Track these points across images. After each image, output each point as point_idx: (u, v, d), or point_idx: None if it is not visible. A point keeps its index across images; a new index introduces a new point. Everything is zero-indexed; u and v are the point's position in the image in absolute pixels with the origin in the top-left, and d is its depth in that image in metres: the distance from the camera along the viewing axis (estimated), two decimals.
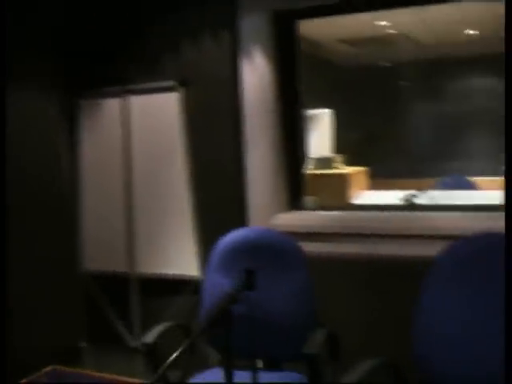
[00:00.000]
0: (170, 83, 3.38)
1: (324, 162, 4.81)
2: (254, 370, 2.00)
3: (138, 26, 3.49)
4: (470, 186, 5.56)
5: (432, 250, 2.81)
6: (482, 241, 2.38)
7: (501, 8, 5.22)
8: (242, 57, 3.25)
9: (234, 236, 2.76)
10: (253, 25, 3.24)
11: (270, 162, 3.35)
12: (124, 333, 3.70)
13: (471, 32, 6.13)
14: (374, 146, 6.34)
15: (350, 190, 4.82)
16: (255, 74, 3.27)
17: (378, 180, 5.63)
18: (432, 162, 6.38)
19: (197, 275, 3.39)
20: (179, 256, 3.48)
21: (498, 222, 2.86)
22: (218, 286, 2.66)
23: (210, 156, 3.37)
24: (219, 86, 3.31)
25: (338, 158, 5.13)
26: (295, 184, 3.49)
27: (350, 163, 5.42)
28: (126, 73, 3.48)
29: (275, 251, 2.65)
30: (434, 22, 5.74)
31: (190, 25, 3.32)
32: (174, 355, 1.65)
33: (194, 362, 2.76)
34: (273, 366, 2.64)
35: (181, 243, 3.47)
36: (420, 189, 4.83)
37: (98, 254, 3.71)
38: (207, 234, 3.35)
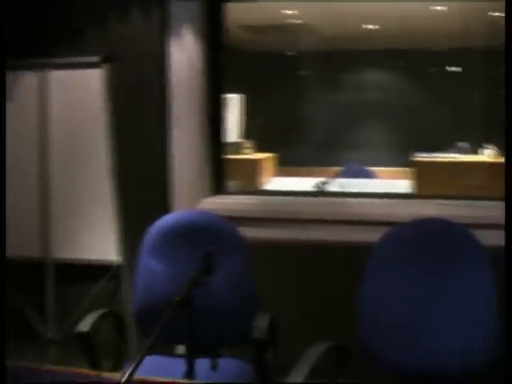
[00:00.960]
0: (94, 59, 3.21)
1: (234, 147, 4.79)
2: (214, 356, 1.94)
3: None
4: (370, 175, 5.75)
5: (364, 235, 2.93)
6: (422, 226, 2.45)
7: (402, 5, 5.44)
8: (170, 35, 3.16)
9: (168, 219, 2.65)
10: (183, 4, 3.16)
11: (195, 145, 3.28)
12: (38, 322, 3.49)
13: (371, 26, 6.33)
14: (279, 133, 6.39)
15: (261, 176, 4.84)
16: (183, 53, 3.19)
17: (285, 167, 5.69)
18: (334, 152, 6.54)
19: (117, 260, 3.26)
20: (98, 240, 3.32)
21: (412, 209, 3.03)
22: (154, 271, 2.56)
23: (134, 137, 3.25)
24: (146, 65, 3.20)
25: (248, 143, 5.13)
26: (218, 168, 3.45)
27: (256, 149, 5.44)
28: (48, 46, 3.25)
29: (213, 234, 2.56)
30: (336, 15, 5.88)
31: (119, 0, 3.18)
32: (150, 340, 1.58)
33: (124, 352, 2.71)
34: (209, 352, 2.60)
35: (100, 227, 3.31)
36: (325, 177, 4.97)
37: (9, 237, 3.46)
38: (129, 217, 3.24)
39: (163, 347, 2.60)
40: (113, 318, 2.63)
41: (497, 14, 5.72)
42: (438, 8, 5.51)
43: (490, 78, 5.87)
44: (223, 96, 3.47)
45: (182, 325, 1.84)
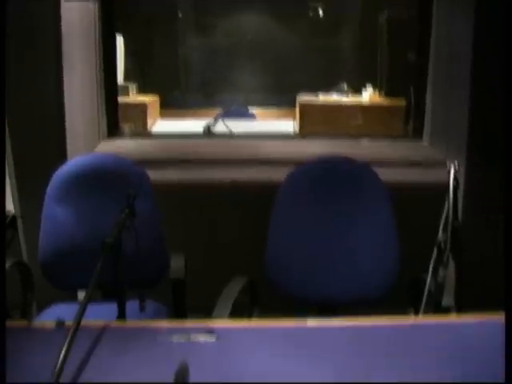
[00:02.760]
0: None
1: (120, 90, 4.66)
2: (141, 299, 1.96)
3: None
4: (252, 117, 5.83)
5: (269, 174, 3.01)
6: (328, 164, 2.57)
7: None
8: None
9: (73, 165, 2.56)
10: None
11: (89, 88, 3.18)
12: None
13: None
14: (160, 75, 6.28)
15: (147, 119, 4.78)
16: None
17: (168, 110, 5.64)
18: (217, 94, 6.54)
19: (12, 210, 3.14)
20: None
21: (299, 148, 3.16)
22: (60, 219, 2.49)
23: (26, 84, 3.07)
24: (36, 7, 3.01)
25: (133, 86, 5.01)
26: (112, 111, 3.38)
27: (139, 92, 5.34)
28: None
29: (120, 178, 2.50)
30: None
31: None
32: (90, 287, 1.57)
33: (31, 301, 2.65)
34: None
35: None
36: (208, 118, 5.00)
37: None
38: (25, 166, 3.10)
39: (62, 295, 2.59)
40: (18, 268, 2.56)
41: None
42: None
43: (368, 23, 6.08)
44: (115, 37, 3.38)
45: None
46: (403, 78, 4.17)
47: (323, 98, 5.04)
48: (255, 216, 2.56)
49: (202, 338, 1.67)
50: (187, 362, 1.42)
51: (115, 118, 3.39)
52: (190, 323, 1.80)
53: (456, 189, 1.87)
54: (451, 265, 1.98)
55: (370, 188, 2.46)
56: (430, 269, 2.00)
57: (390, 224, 2.41)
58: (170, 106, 5.81)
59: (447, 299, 2.05)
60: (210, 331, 1.70)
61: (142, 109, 4.75)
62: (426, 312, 2.07)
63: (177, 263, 2.43)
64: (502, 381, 1.38)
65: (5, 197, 2.90)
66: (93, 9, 3.11)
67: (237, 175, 3.12)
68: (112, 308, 1.90)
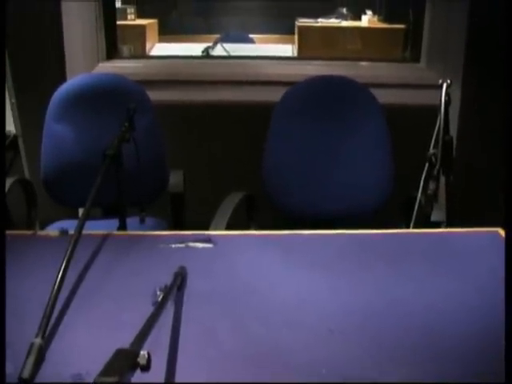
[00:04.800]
0: None
1: (119, 13, 4.62)
2: (142, 211, 2.03)
3: None
4: (250, 41, 5.78)
5: (259, 94, 3.04)
6: (322, 82, 2.59)
7: None
8: None
9: (73, 83, 2.57)
10: None
11: (88, 10, 3.17)
12: None
13: None
14: None
15: (146, 42, 4.75)
16: None
17: (166, 36, 5.58)
18: (215, 18, 6.45)
19: (13, 130, 3.17)
20: None
21: (298, 69, 3.17)
22: (61, 136, 2.53)
23: (23, 3, 3.05)
24: None
25: (131, 9, 4.96)
26: (112, 33, 3.37)
27: (137, 15, 5.28)
28: None
29: (121, 96, 2.52)
30: None
31: None
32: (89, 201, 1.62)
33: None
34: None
35: None
36: (207, 43, 4.97)
37: None
38: (24, 86, 3.12)
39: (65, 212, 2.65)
40: (20, 186, 2.62)
41: None
42: None
43: None
44: None
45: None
46: (402, 2, 4.13)
47: (322, 21, 5.00)
48: (254, 134, 2.60)
49: (200, 245, 1.75)
50: (185, 265, 1.49)
51: (114, 40, 3.38)
52: (188, 232, 1.86)
53: (448, 104, 1.91)
54: (442, 180, 2.05)
55: (365, 105, 2.50)
56: (421, 183, 2.05)
57: (385, 141, 2.46)
58: (169, 32, 5.75)
59: (438, 214, 2.12)
60: (207, 239, 1.78)
61: (140, 31, 4.72)
62: (416, 227, 2.14)
63: (176, 178, 2.49)
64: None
65: (5, 117, 2.93)
66: None
67: (235, 95, 3.14)
68: (113, 223, 1.97)
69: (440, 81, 1.93)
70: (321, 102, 2.52)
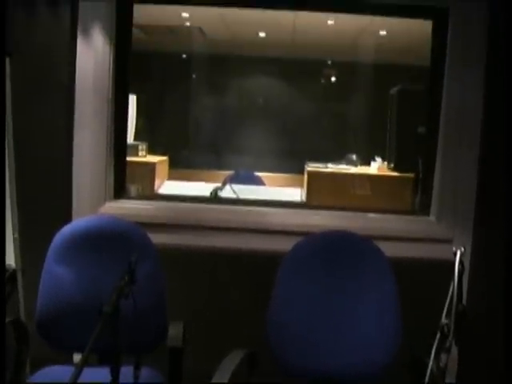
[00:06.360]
0: None
1: (130, 150, 4.70)
2: (137, 367, 1.92)
3: None
4: (259, 181, 5.85)
5: (267, 244, 3.01)
6: (331, 238, 2.57)
7: (295, 15, 5.60)
8: (78, 34, 3.06)
9: (77, 225, 2.59)
10: (92, 2, 3.07)
11: (99, 147, 3.19)
12: None
13: (262, 35, 6.46)
14: (169, 135, 6.34)
15: (156, 179, 4.80)
16: (91, 52, 3.08)
17: (175, 170, 5.66)
18: (224, 155, 6.59)
19: (12, 264, 3.11)
20: None
21: (306, 219, 3.14)
22: (60, 277, 2.48)
23: (36, 138, 3.09)
24: (51, 61, 3.05)
25: (143, 145, 5.05)
26: (120, 171, 3.38)
27: (148, 152, 5.38)
28: None
29: (123, 240, 2.51)
30: (231, 21, 5.96)
31: None
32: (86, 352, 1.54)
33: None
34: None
35: None
36: (215, 180, 5.02)
37: None
38: (28, 221, 3.09)
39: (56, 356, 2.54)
40: (14, 326, 2.53)
41: (383, 32, 6.04)
42: (330, 22, 5.73)
43: (378, 93, 6.16)
44: (129, 97, 3.42)
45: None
46: (412, 151, 4.19)
47: (332, 167, 5.07)
48: (258, 286, 2.54)
49: None
50: None
51: (122, 180, 3.38)
52: None
53: (461, 273, 1.85)
54: (454, 349, 1.95)
55: (373, 262, 2.48)
56: (433, 353, 1.96)
57: (393, 299, 2.40)
58: (179, 166, 5.84)
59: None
60: None
61: (150, 168, 4.78)
62: None
63: (175, 330, 2.40)
64: None
65: (5, 251, 2.88)
66: (107, 67, 3.15)
67: (241, 243, 3.10)
68: (107, 374, 1.86)
69: (454, 248, 1.88)
70: (327, 257, 2.51)
